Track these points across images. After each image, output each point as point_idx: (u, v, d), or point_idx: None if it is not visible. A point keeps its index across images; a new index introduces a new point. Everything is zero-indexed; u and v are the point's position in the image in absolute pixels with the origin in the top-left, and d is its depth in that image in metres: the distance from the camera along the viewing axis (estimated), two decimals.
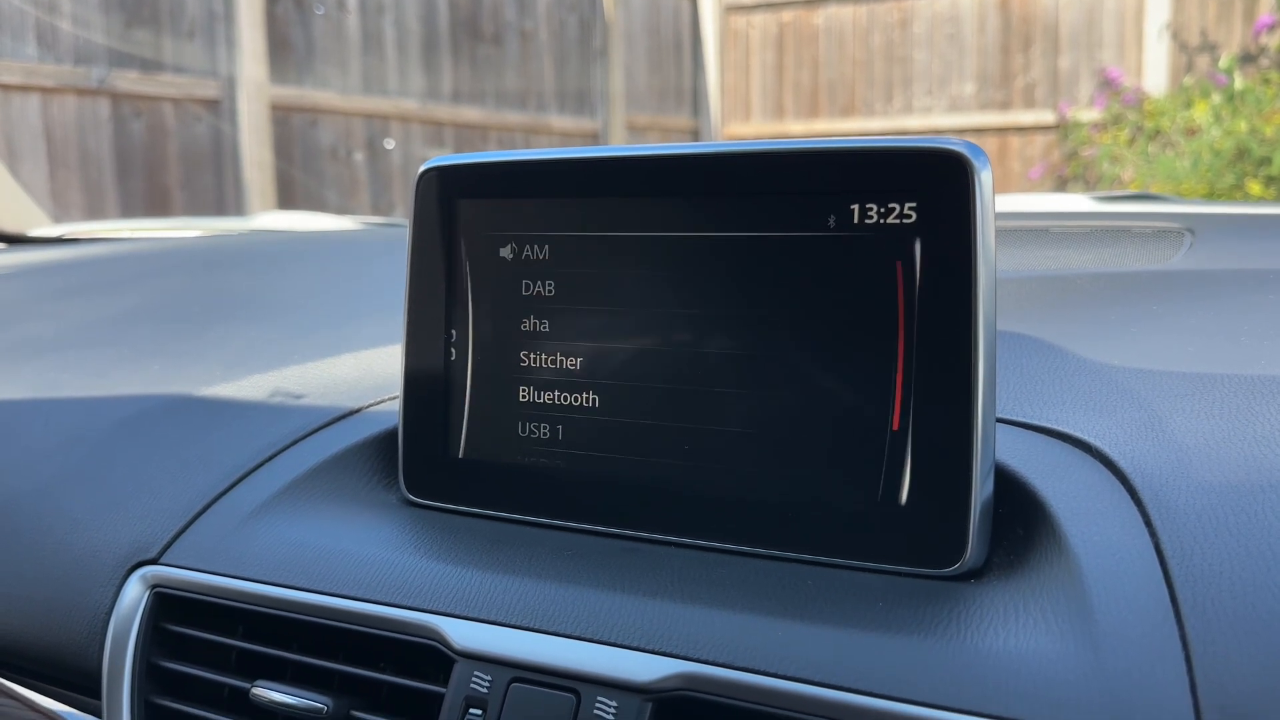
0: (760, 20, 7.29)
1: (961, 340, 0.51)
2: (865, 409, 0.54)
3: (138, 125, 4.06)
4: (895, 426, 0.53)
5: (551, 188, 0.60)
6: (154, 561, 0.63)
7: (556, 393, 0.60)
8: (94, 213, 3.91)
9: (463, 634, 0.53)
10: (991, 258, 0.51)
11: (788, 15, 7.22)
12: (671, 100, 7.10)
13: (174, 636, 0.61)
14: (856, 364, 0.54)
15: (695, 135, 7.27)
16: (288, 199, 4.53)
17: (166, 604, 0.62)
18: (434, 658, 0.54)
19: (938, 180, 0.52)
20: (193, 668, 0.60)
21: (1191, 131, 5.63)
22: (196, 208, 4.24)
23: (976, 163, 0.51)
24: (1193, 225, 0.94)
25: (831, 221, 0.54)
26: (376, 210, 5.05)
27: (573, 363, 0.60)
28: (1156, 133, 5.87)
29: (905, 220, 0.53)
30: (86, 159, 3.91)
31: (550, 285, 0.61)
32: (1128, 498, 0.52)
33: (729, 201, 0.56)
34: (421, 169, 0.64)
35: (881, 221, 0.53)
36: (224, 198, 4.33)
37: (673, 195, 0.58)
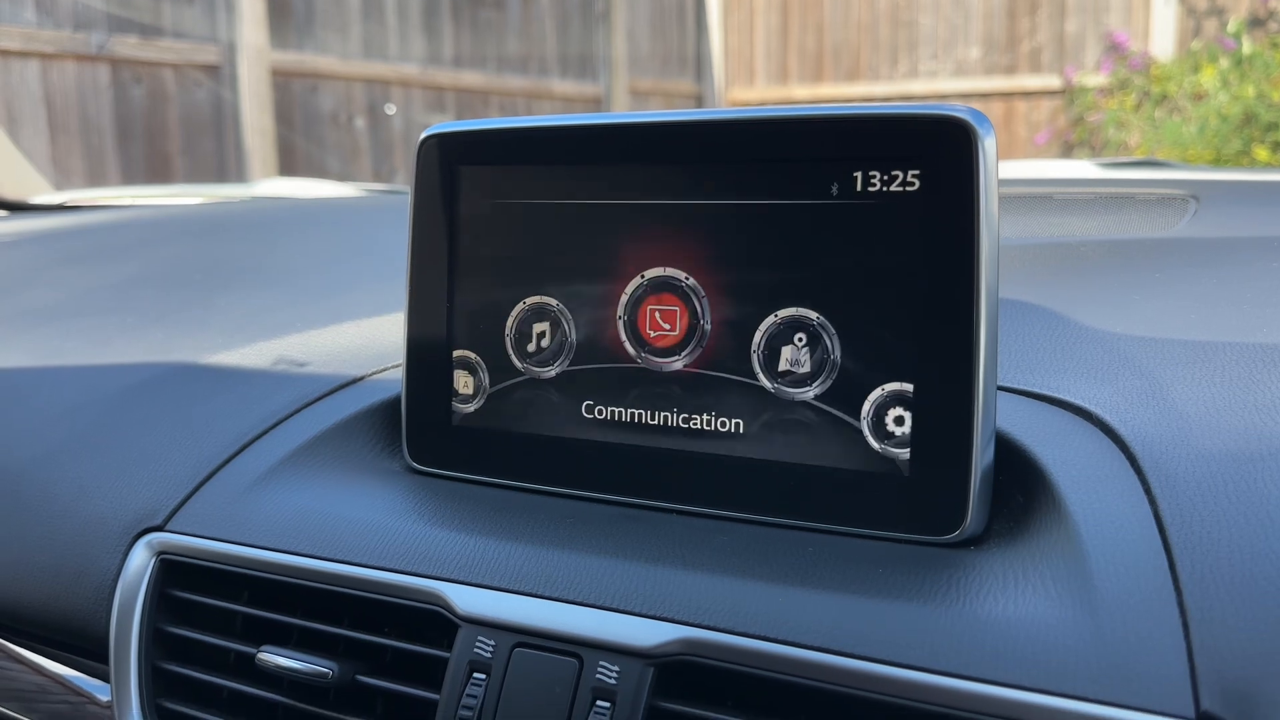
0: None
1: (963, 308, 0.51)
2: (866, 376, 0.54)
3: (138, 91, 4.04)
4: (897, 392, 0.53)
5: (553, 154, 0.60)
6: (160, 528, 0.63)
7: (559, 359, 0.60)
8: (95, 179, 3.90)
9: (466, 599, 0.53)
10: (994, 225, 0.51)
11: None
12: (675, 64, 7.04)
13: (180, 602, 0.62)
14: (858, 331, 0.54)
15: (698, 100, 7.21)
16: (289, 165, 4.51)
17: (172, 570, 0.62)
18: (438, 623, 0.54)
19: (941, 147, 0.51)
20: (199, 633, 0.61)
21: (1198, 96, 5.58)
22: (198, 174, 4.23)
23: (980, 130, 0.51)
24: (1197, 192, 0.94)
25: (835, 189, 0.54)
26: (378, 176, 5.03)
27: (575, 330, 0.60)
28: (1163, 98, 5.83)
29: (909, 188, 0.52)
30: (87, 125, 3.89)
31: (552, 252, 0.60)
32: (1128, 466, 0.52)
33: (731, 169, 0.56)
34: (422, 136, 0.63)
35: (885, 189, 0.53)
36: (225, 164, 4.32)
37: (675, 162, 0.57)
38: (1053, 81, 6.47)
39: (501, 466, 0.62)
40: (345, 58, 4.83)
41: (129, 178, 4.00)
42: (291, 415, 0.68)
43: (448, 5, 5.35)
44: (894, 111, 0.53)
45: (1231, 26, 5.84)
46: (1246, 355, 0.59)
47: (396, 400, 0.68)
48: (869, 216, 0.53)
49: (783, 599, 0.49)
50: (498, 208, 0.62)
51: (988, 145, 0.51)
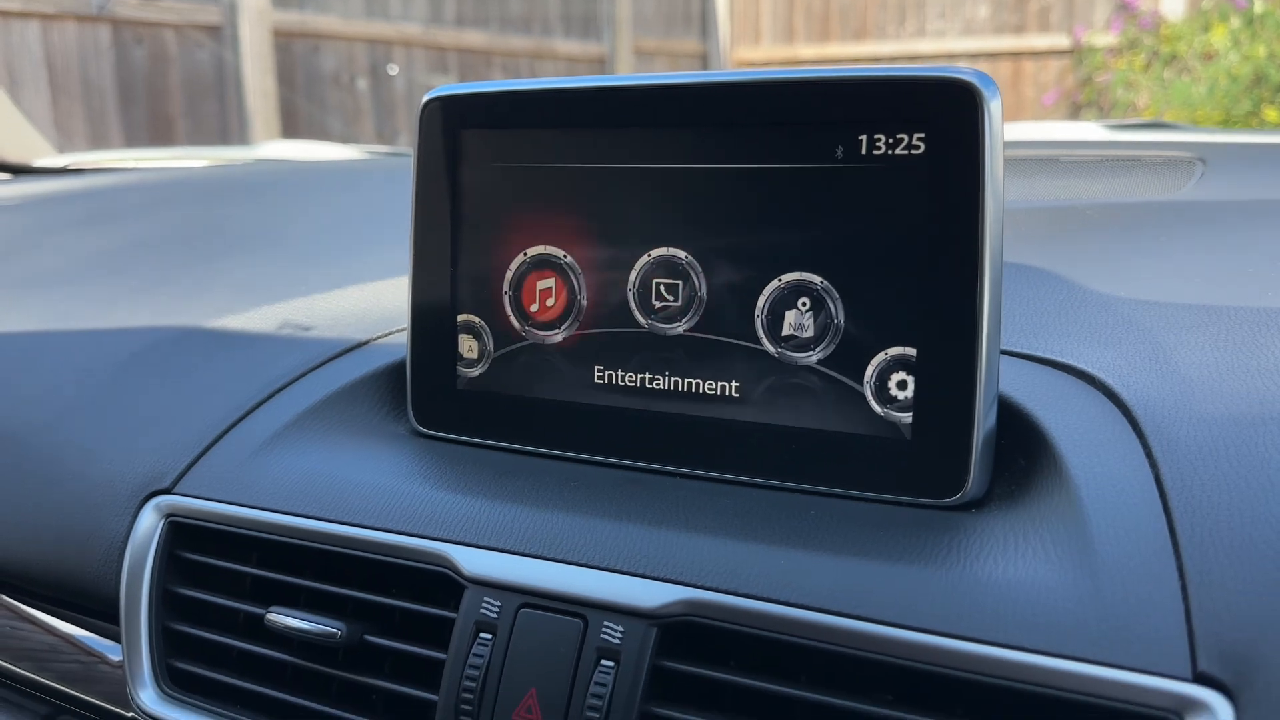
0: None
1: (968, 272, 0.51)
2: (869, 341, 0.54)
3: (139, 52, 4.01)
4: (900, 356, 0.53)
5: (557, 118, 0.60)
6: (168, 491, 0.64)
7: (565, 322, 0.61)
8: (97, 141, 3.88)
9: (473, 561, 0.54)
10: (999, 189, 0.51)
11: None
12: (680, 24, 6.98)
13: (189, 564, 0.63)
14: (862, 296, 0.54)
15: (704, 60, 7.15)
16: (291, 126, 4.49)
17: (181, 532, 0.63)
18: (444, 584, 0.55)
19: (947, 110, 0.51)
20: (209, 594, 0.62)
21: (1208, 56, 5.52)
22: (200, 136, 4.21)
23: (986, 92, 0.50)
24: (1204, 155, 0.93)
25: (839, 152, 0.54)
26: (380, 137, 5.01)
27: (580, 294, 0.60)
28: (1173, 58, 5.76)
29: (914, 151, 0.52)
30: (89, 87, 3.87)
31: (557, 215, 0.60)
32: (1130, 429, 0.52)
33: (736, 132, 0.56)
34: (425, 99, 0.63)
35: (890, 152, 0.53)
36: (228, 125, 4.29)
37: (679, 126, 0.57)
38: (1061, 41, 6.40)
39: (506, 430, 0.63)
40: (347, 17, 4.79)
41: (131, 140, 3.98)
42: (297, 379, 0.69)
43: None
44: (899, 74, 0.52)
45: None
46: (1250, 319, 0.59)
47: (401, 364, 0.68)
48: (874, 180, 0.53)
49: (785, 561, 0.49)
50: (501, 171, 0.62)
51: (993, 108, 0.50)
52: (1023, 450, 0.54)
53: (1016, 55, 6.57)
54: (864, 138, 0.53)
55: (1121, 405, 0.54)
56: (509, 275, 0.62)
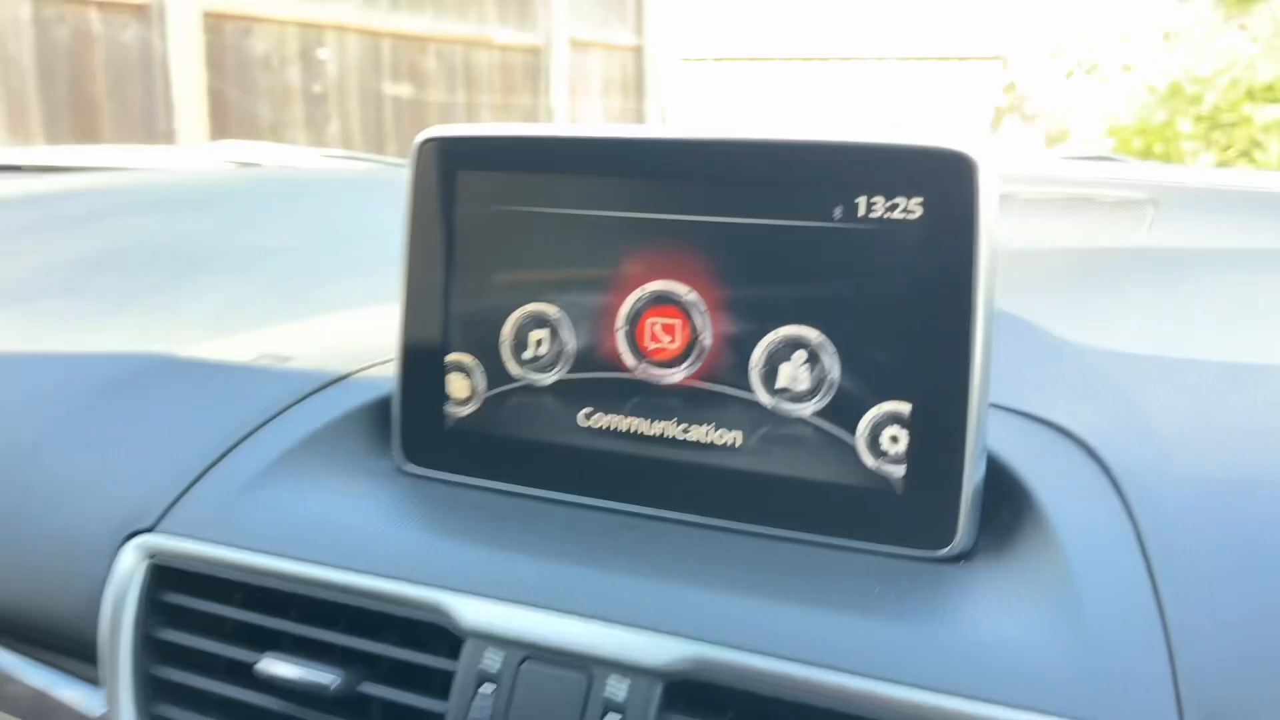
0: None
1: (961, 333, 0.53)
2: (863, 395, 0.55)
3: (62, 30, 3.87)
4: (893, 411, 0.55)
5: (556, 164, 0.60)
6: (150, 530, 0.63)
7: (556, 367, 0.61)
8: (16, 121, 3.74)
9: (471, 611, 0.54)
10: (994, 255, 0.53)
11: None
12: (615, 18, 6.96)
13: (172, 607, 0.62)
14: (857, 351, 0.55)
15: (639, 55, 7.15)
16: (219, 111, 4.38)
17: (164, 574, 0.62)
18: (440, 633, 0.55)
19: (944, 178, 0.53)
20: (193, 638, 0.61)
21: (1127, 68, 5.70)
22: (125, 119, 4.09)
23: (982, 163, 0.52)
24: (1156, 196, 0.97)
25: (838, 212, 0.55)
26: (310, 123, 4.91)
27: (575, 338, 0.61)
28: (1094, 69, 5.94)
29: (910, 215, 0.54)
30: (8, 65, 3.72)
31: (553, 261, 0.61)
32: (1110, 486, 0.54)
33: (736, 188, 0.57)
34: (420, 138, 0.63)
35: (887, 215, 0.54)
36: (153, 108, 4.17)
37: (679, 179, 0.58)
38: (987, 50, 6.54)
39: (496, 470, 0.63)
40: (279, 0, 4.69)
41: (52, 121, 3.85)
42: (281, 413, 0.68)
43: None
44: (898, 143, 0.54)
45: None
46: (1216, 375, 0.62)
47: (387, 399, 0.68)
48: (870, 240, 0.55)
49: (790, 616, 0.50)
50: (498, 214, 0.62)
51: (989, 178, 0.52)
52: (1007, 504, 0.56)
53: (944, 59, 6.70)
54: (862, 199, 0.55)
55: (1100, 462, 0.56)
56: (503, 317, 0.62)
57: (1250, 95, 5.01)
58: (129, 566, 0.62)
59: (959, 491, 0.54)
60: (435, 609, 0.55)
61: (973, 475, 0.53)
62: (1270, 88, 4.98)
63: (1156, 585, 0.48)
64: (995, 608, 0.50)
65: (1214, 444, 0.55)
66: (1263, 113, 4.93)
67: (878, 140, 0.54)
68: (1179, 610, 0.47)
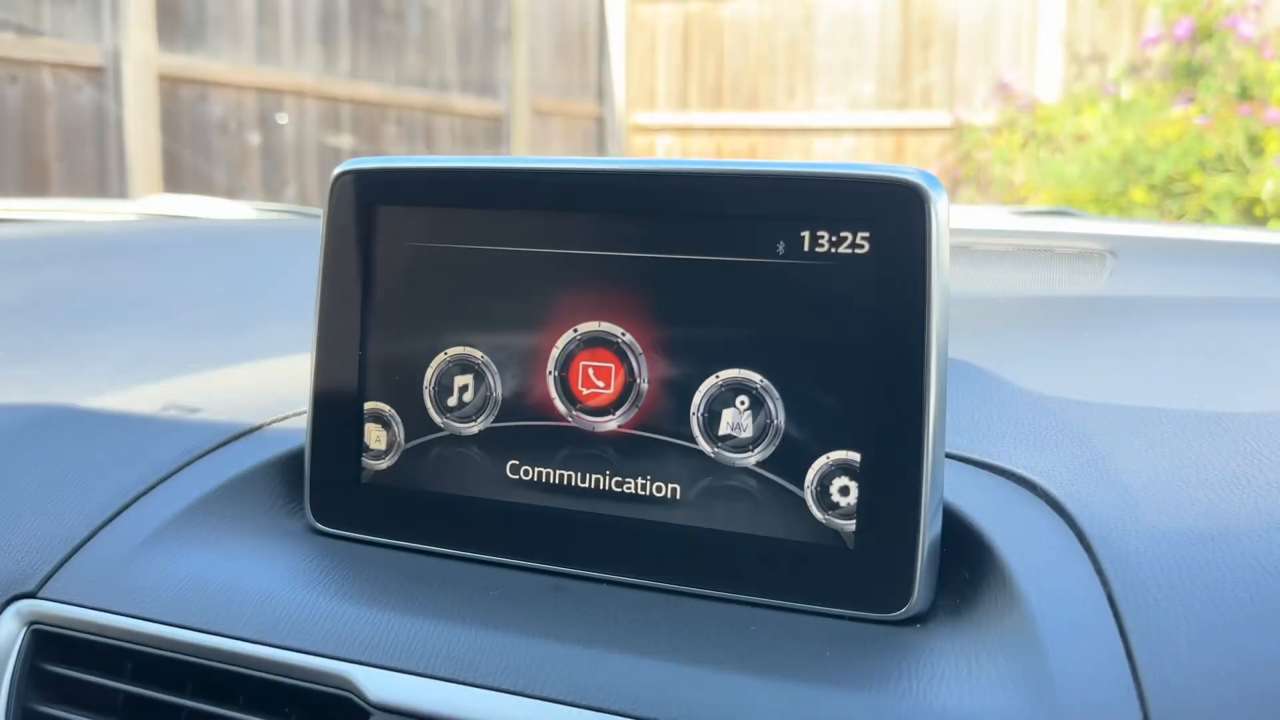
0: (667, 11, 7.28)
1: (914, 376, 0.49)
2: (810, 443, 0.51)
3: (12, 91, 3.83)
4: (842, 460, 0.51)
5: (480, 197, 0.56)
6: (32, 595, 0.57)
7: (482, 415, 0.57)
8: None
9: (379, 685, 0.49)
10: (945, 291, 0.49)
11: (695, 6, 7.22)
12: (577, 87, 7.03)
13: (56, 677, 0.56)
14: (804, 396, 0.51)
15: (600, 122, 7.21)
16: (174, 174, 4.33)
17: (46, 642, 0.56)
18: (346, 707, 0.50)
19: (892, 210, 0.49)
20: (76, 713, 0.55)
21: (1081, 138, 5.81)
22: (77, 181, 4.03)
23: (933, 193, 0.49)
24: (1114, 247, 0.95)
25: (781, 248, 0.52)
26: (268, 188, 4.88)
27: (500, 384, 0.56)
28: (1048, 138, 6.05)
29: (858, 250, 0.50)
30: None
31: (478, 300, 0.57)
32: (1075, 541, 0.51)
33: (673, 222, 0.53)
34: (336, 171, 0.59)
35: (833, 250, 0.51)
36: (106, 171, 4.12)
37: (612, 212, 0.54)
38: (943, 119, 6.67)
39: (416, 529, 0.58)
40: (237, 64, 4.68)
41: (0, 182, 3.79)
42: (182, 468, 0.63)
43: (345, 16, 5.23)
44: (844, 170, 0.51)
45: (1114, 73, 6.11)
46: (1180, 423, 0.59)
47: (298, 453, 0.63)
48: (816, 278, 0.51)
49: (731, 686, 0.45)
50: (418, 251, 0.58)
51: (940, 209, 0.49)
52: (966, 561, 0.52)
53: (900, 131, 6.82)
54: (807, 234, 0.51)
55: (1065, 515, 0.52)
56: (424, 362, 0.58)
57: (1201, 166, 5.12)
58: (9, 633, 0.56)
59: (915, 548, 0.49)
60: (342, 681, 0.50)
61: (929, 530, 0.49)
62: (1220, 158, 5.10)
63: (1130, 649, 0.44)
64: (955, 675, 0.45)
65: (1181, 495, 0.52)
66: (1213, 182, 5.03)
67: (822, 170, 0.51)
68: (1155, 679, 0.42)
